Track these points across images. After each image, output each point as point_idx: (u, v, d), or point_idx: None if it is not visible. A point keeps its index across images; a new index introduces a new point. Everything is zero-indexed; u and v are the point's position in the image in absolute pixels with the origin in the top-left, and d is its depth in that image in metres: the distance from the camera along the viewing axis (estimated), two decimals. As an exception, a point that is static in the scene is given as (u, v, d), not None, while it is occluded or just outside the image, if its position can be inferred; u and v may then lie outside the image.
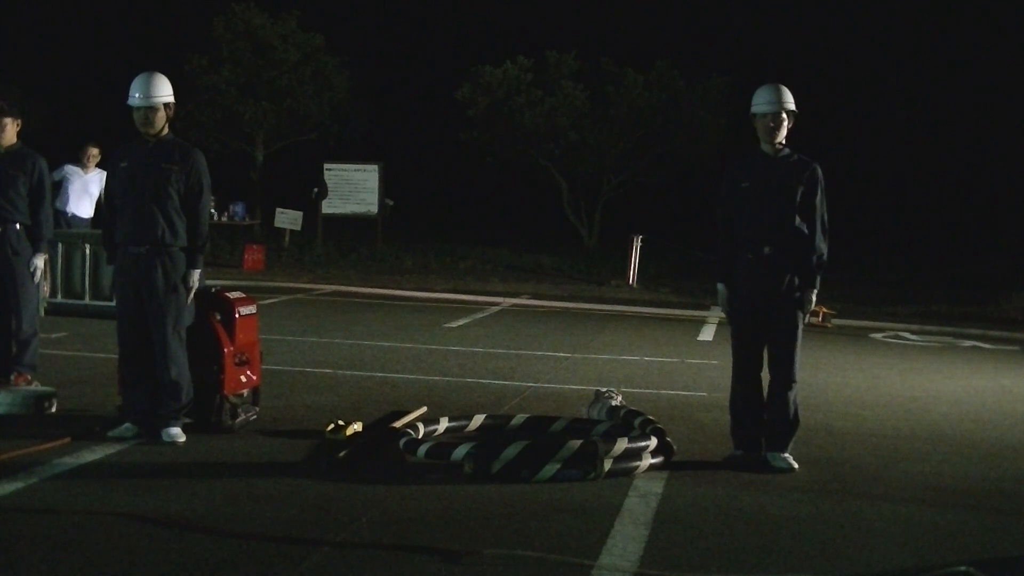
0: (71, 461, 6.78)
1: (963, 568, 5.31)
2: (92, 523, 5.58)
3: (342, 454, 6.97)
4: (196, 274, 7.52)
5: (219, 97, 29.56)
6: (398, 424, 7.88)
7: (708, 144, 30.02)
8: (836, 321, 17.28)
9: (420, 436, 7.38)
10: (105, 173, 15.54)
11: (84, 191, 15.55)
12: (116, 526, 5.55)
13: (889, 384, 11.61)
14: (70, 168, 15.60)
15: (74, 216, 15.45)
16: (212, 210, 25.87)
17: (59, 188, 15.25)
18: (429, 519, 5.92)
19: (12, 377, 8.61)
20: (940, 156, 28.33)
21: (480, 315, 16.82)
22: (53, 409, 8.13)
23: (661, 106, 30.18)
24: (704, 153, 30.13)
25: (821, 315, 17.35)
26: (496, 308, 18.03)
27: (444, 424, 7.84)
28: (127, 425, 7.42)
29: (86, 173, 15.55)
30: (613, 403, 8.37)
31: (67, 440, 7.17)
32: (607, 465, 6.85)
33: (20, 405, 8.03)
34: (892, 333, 16.61)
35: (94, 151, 15.65)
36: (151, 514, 5.73)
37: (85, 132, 17.53)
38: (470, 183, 32.05)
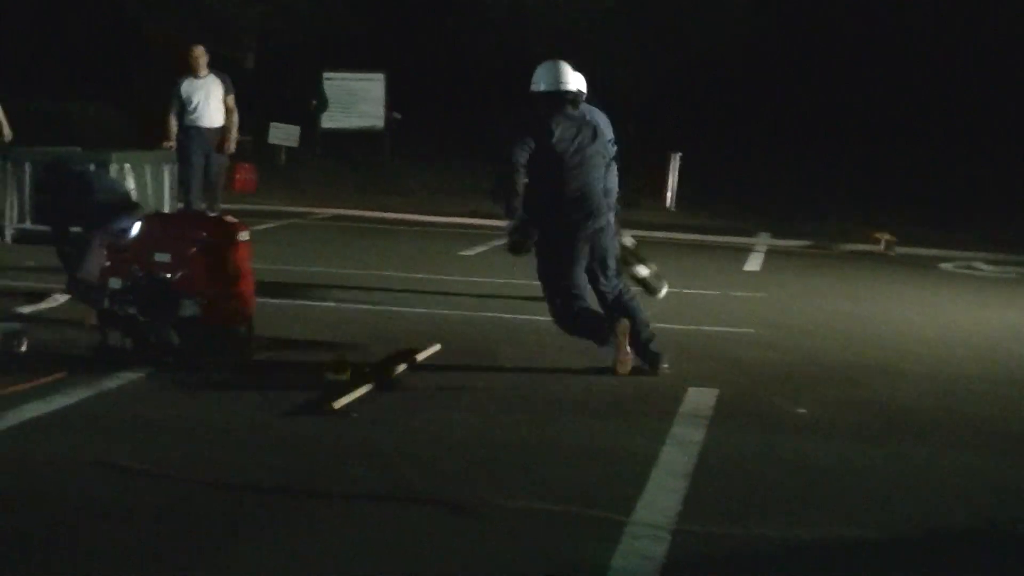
0: (41, 407, 6.77)
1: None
2: (63, 474, 5.64)
3: (340, 403, 6.97)
4: None
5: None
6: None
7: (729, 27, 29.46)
8: (900, 249, 17.08)
9: None
10: None
11: None
12: (89, 476, 5.62)
13: (953, 317, 11.60)
14: None
15: None
16: None
17: None
18: (437, 466, 5.97)
19: None
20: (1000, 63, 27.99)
21: (499, 242, 16.77)
22: (23, 348, 8.13)
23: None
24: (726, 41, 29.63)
25: (884, 243, 17.17)
26: (517, 235, 17.98)
27: None
28: None
29: None
30: None
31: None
32: None
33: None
34: (963, 263, 16.39)
35: None
36: (126, 463, 5.77)
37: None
38: (485, 95, 31.87)
